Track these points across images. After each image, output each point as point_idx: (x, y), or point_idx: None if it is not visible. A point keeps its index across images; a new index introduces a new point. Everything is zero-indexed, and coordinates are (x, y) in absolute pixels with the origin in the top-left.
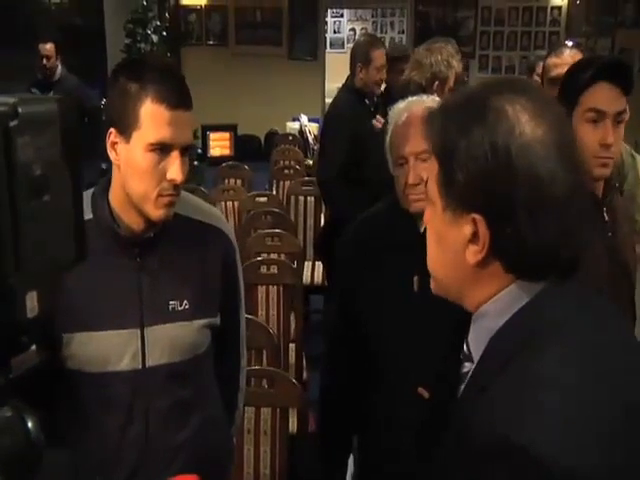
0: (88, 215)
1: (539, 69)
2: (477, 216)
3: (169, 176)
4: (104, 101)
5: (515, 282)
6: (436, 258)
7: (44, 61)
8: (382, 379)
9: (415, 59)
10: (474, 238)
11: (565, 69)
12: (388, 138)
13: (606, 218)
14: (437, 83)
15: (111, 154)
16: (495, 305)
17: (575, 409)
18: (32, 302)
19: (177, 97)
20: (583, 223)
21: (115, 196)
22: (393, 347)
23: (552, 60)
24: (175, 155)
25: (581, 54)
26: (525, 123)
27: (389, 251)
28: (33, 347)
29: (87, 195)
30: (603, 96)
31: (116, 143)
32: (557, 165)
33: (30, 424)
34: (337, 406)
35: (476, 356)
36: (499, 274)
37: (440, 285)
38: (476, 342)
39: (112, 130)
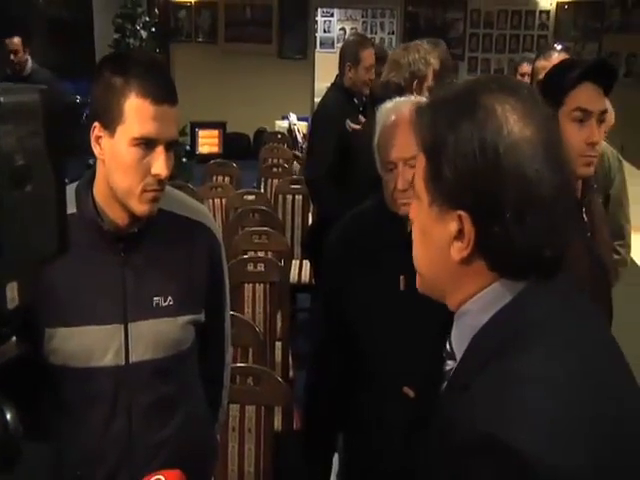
0: (72, 209)
1: (521, 69)
2: (463, 213)
3: (154, 171)
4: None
5: (498, 280)
6: (421, 254)
7: (12, 56)
8: (369, 378)
9: (392, 59)
10: (459, 235)
11: None
12: (376, 139)
13: (585, 219)
14: (416, 82)
15: (95, 148)
16: (477, 303)
17: (559, 407)
18: (12, 293)
19: (162, 92)
20: (568, 222)
21: (99, 190)
22: (379, 346)
23: (541, 63)
24: (160, 150)
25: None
26: (514, 123)
27: (376, 250)
28: (13, 338)
29: (71, 189)
30: (588, 96)
31: (100, 137)
32: (544, 165)
33: (8, 416)
34: (322, 405)
35: (458, 354)
36: (483, 272)
37: (425, 282)
38: (458, 340)
39: (96, 124)
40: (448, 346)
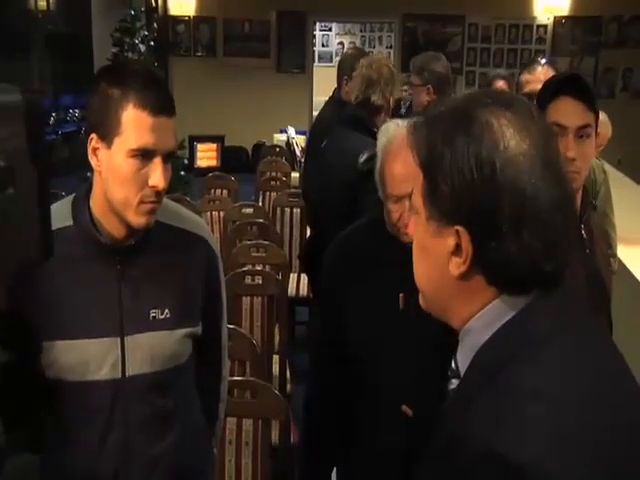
0: (68, 221)
1: (495, 85)
2: (460, 228)
3: (151, 182)
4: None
5: (499, 297)
6: (421, 270)
7: None
8: (367, 395)
9: (360, 74)
10: (457, 250)
11: (538, 85)
12: (378, 165)
13: (584, 235)
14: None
15: (92, 160)
16: (480, 321)
17: (561, 422)
18: None
19: (160, 103)
20: (568, 237)
21: (96, 202)
22: (378, 364)
23: (525, 77)
24: (157, 161)
25: (554, 71)
26: (510, 137)
27: (375, 267)
28: None
29: (68, 201)
30: (564, 110)
31: (97, 149)
32: (541, 179)
33: None
34: (321, 419)
35: (463, 372)
36: (482, 288)
37: (426, 299)
38: (463, 358)
39: (93, 136)
40: (453, 364)
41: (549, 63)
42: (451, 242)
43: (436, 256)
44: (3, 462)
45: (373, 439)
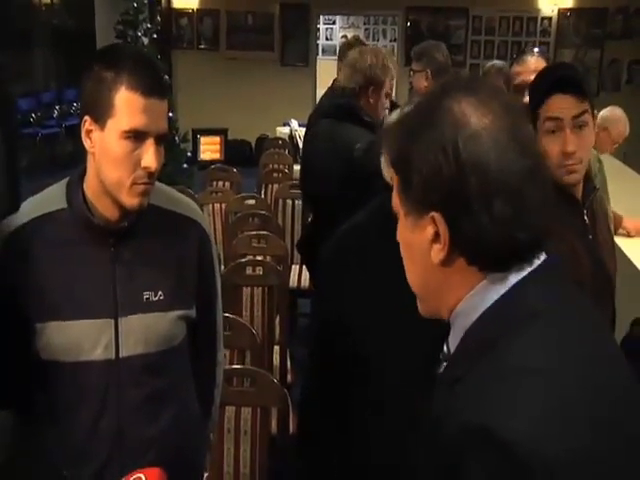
0: (62, 204)
1: (490, 75)
2: (435, 214)
3: (144, 164)
4: None
5: (485, 277)
6: (410, 270)
7: None
8: (374, 396)
9: (348, 64)
10: (436, 237)
11: (528, 77)
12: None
13: (586, 220)
14: (372, 88)
15: (86, 142)
16: (467, 303)
17: (550, 396)
18: None
19: (152, 85)
20: (543, 207)
21: (90, 185)
22: (390, 365)
23: (515, 69)
24: (150, 143)
25: (545, 62)
26: (470, 115)
27: (380, 263)
28: None
29: (62, 184)
30: (558, 104)
31: (91, 131)
32: (507, 151)
33: None
34: (320, 409)
35: None
36: (465, 269)
37: (422, 301)
38: (454, 341)
39: (87, 118)
40: (445, 348)
41: (539, 54)
42: (430, 231)
43: (419, 249)
44: None
45: (379, 434)
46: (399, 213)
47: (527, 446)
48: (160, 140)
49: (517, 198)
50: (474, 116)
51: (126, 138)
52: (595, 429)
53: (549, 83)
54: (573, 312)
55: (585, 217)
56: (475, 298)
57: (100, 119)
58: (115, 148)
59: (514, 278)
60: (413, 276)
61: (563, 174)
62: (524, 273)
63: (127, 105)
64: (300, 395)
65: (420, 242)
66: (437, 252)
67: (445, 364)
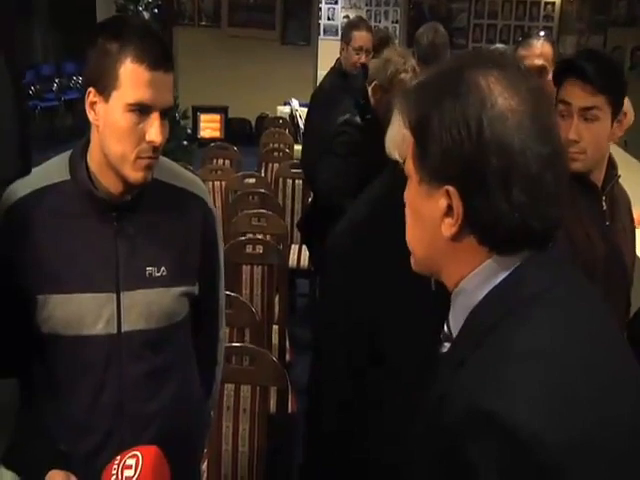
0: (65, 176)
1: None
2: (451, 188)
3: (148, 137)
4: None
5: (492, 257)
6: (414, 233)
7: None
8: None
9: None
10: (449, 211)
11: (534, 60)
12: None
13: (604, 207)
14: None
15: (90, 114)
16: (472, 281)
17: (554, 380)
18: None
19: (158, 57)
20: (559, 197)
21: (93, 157)
22: (407, 348)
23: (521, 52)
24: (155, 116)
25: (550, 45)
26: (498, 94)
27: (397, 245)
28: None
29: (65, 156)
30: (571, 89)
31: (95, 103)
32: (530, 136)
33: None
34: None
35: (455, 334)
36: (474, 248)
37: (418, 261)
38: (455, 321)
39: (91, 90)
40: (446, 327)
41: (545, 38)
42: (443, 203)
43: (428, 219)
44: None
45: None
46: (410, 177)
47: (529, 430)
48: (165, 114)
49: (535, 185)
50: (501, 96)
51: (131, 111)
52: (597, 413)
53: (570, 65)
54: (577, 296)
55: (603, 203)
56: (479, 277)
57: (104, 91)
58: (119, 121)
59: (519, 261)
60: (416, 240)
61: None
62: (529, 256)
63: (132, 78)
64: (314, 389)
65: (431, 212)
66: (448, 226)
67: (447, 346)
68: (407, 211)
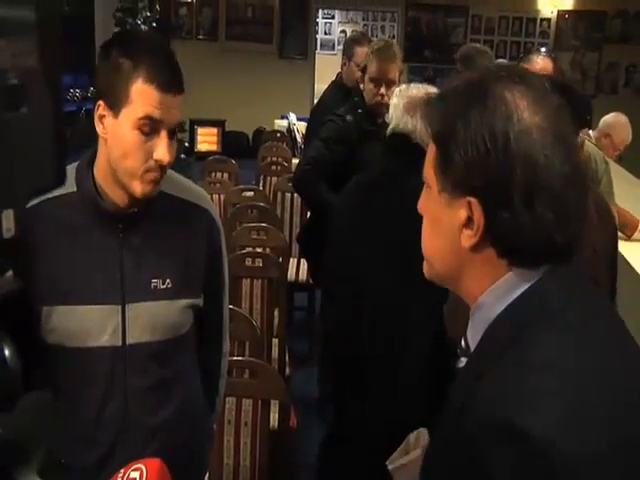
0: (72, 188)
1: None
2: (472, 199)
3: (156, 156)
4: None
5: (511, 271)
6: (431, 243)
7: None
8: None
9: None
10: (469, 222)
11: None
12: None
13: None
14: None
15: (98, 127)
16: (491, 295)
17: (574, 393)
18: (8, 222)
19: (169, 80)
20: (579, 213)
21: (100, 170)
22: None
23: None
24: (163, 135)
25: (551, 61)
26: (523, 110)
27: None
28: (10, 273)
29: (72, 167)
30: None
31: (104, 116)
32: (553, 153)
33: (7, 352)
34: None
35: (473, 347)
36: (493, 260)
37: (434, 270)
38: (473, 334)
39: (101, 103)
40: (463, 342)
41: (546, 54)
42: (463, 214)
43: (447, 229)
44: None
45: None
46: (429, 185)
47: (545, 439)
48: (173, 134)
49: (559, 201)
50: (527, 112)
51: (140, 127)
52: (614, 426)
53: None
54: (595, 310)
55: None
56: (499, 291)
57: (114, 106)
58: (128, 137)
59: (539, 274)
60: (433, 249)
61: None
62: (549, 269)
63: (142, 97)
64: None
65: (450, 221)
66: (468, 238)
67: (464, 361)
68: (424, 219)
